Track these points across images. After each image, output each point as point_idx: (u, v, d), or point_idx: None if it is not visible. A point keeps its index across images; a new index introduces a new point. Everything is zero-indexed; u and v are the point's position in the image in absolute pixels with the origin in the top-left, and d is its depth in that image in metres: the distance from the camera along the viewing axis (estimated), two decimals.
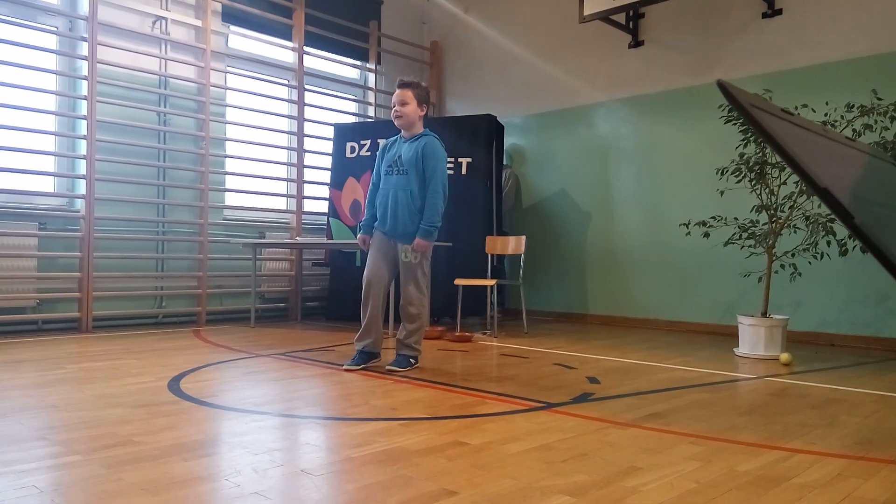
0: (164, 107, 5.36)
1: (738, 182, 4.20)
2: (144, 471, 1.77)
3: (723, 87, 0.70)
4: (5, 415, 2.36)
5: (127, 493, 1.61)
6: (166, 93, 5.33)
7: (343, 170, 5.96)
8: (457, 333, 4.74)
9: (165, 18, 5.36)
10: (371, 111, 6.88)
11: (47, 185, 4.94)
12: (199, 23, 5.52)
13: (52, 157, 4.90)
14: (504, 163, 6.24)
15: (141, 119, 5.20)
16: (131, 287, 5.18)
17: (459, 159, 5.64)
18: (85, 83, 4.88)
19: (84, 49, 4.91)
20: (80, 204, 4.92)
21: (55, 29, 4.91)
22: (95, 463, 1.83)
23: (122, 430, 2.17)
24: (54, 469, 1.78)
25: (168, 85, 5.38)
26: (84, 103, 4.87)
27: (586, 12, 5.43)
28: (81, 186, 4.88)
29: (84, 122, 4.87)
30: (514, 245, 5.32)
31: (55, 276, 4.78)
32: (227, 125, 5.73)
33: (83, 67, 4.92)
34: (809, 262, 4.30)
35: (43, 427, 2.20)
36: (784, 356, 3.84)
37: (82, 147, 4.90)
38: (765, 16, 5.05)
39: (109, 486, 1.65)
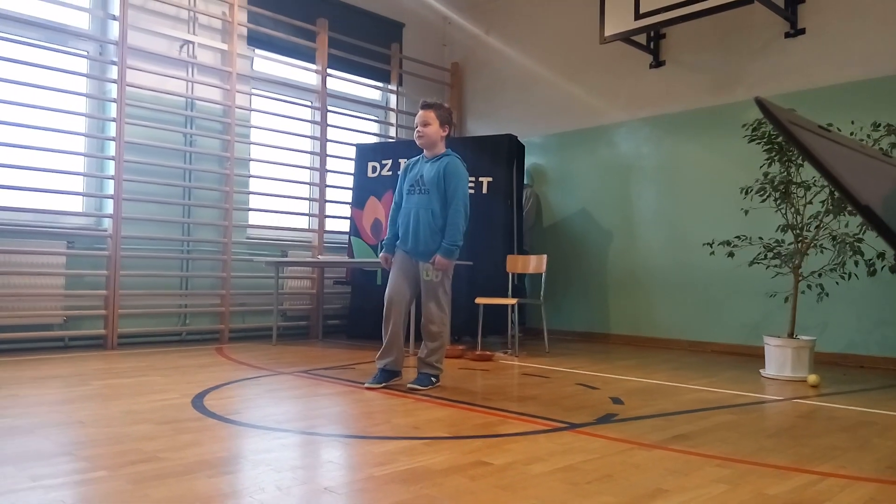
0: (191, 128, 5.45)
1: (763, 201, 4.16)
2: (170, 487, 1.78)
3: (761, 104, 0.70)
4: (33, 430, 2.39)
5: None
6: (193, 115, 5.43)
7: (365, 189, 6.01)
8: (478, 352, 4.73)
9: (193, 43, 5.48)
10: (392, 132, 6.94)
11: (76, 204, 5.04)
12: (225, 47, 5.63)
13: (81, 177, 5.00)
14: (525, 182, 6.26)
15: (168, 140, 5.31)
16: (156, 305, 5.24)
17: (480, 179, 5.66)
18: (114, 105, 4.99)
19: (113, 73, 5.02)
20: (107, 223, 5.01)
21: (86, 53, 5.04)
22: (122, 479, 1.85)
23: (147, 447, 2.19)
24: (81, 484, 1.80)
25: (194, 107, 5.48)
26: (113, 125, 4.98)
27: (607, 33, 5.45)
28: (109, 206, 4.97)
29: (112, 144, 4.97)
30: (535, 264, 5.31)
31: (82, 294, 4.86)
32: (252, 146, 5.82)
33: (112, 90, 5.03)
34: (837, 283, 4.23)
35: (70, 443, 2.23)
36: (812, 378, 3.77)
37: (111, 167, 5.00)
38: (787, 35, 5.03)
39: (135, 502, 1.66)
